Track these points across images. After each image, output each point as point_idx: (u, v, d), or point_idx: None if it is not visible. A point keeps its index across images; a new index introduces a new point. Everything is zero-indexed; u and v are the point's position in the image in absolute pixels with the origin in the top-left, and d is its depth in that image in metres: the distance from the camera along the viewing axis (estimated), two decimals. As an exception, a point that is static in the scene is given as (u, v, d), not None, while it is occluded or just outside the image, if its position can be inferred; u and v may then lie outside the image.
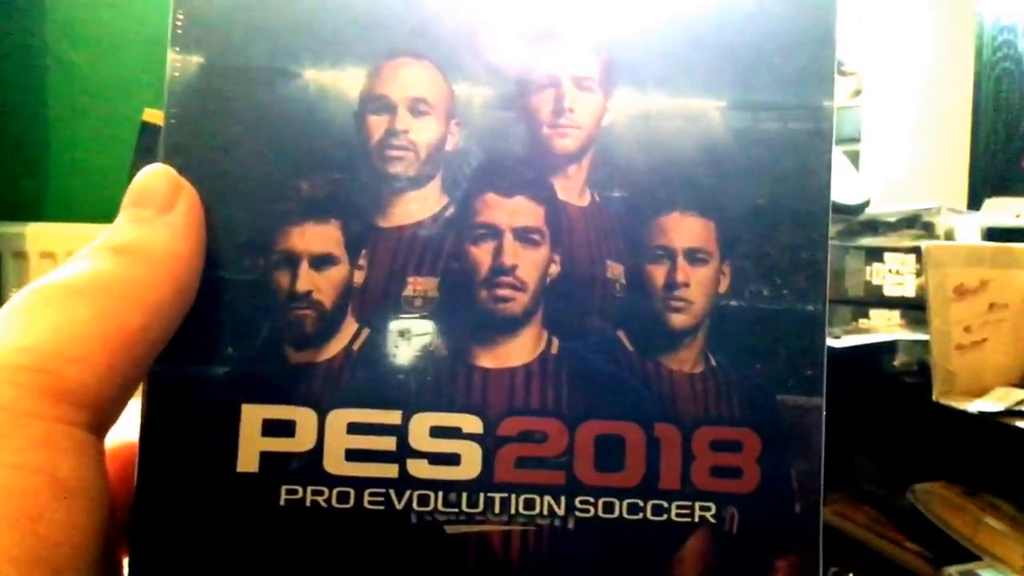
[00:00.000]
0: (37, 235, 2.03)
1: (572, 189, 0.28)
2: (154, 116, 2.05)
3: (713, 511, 0.28)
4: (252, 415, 0.27)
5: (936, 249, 1.11)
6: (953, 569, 1.03)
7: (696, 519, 0.28)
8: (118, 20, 2.16)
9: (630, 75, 0.29)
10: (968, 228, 1.29)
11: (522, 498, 0.27)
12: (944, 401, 1.03)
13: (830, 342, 1.12)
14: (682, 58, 0.29)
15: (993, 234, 1.29)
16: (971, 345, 1.07)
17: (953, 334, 1.07)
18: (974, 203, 1.62)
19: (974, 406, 1.00)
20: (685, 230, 0.29)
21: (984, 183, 1.76)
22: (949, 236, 1.28)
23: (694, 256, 0.28)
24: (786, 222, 0.29)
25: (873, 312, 1.26)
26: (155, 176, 0.27)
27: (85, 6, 2.16)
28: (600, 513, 0.27)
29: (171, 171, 0.27)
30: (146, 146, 2.02)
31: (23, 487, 0.22)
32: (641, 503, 0.28)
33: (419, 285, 0.28)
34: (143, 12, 2.16)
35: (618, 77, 0.29)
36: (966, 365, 1.06)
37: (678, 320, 0.28)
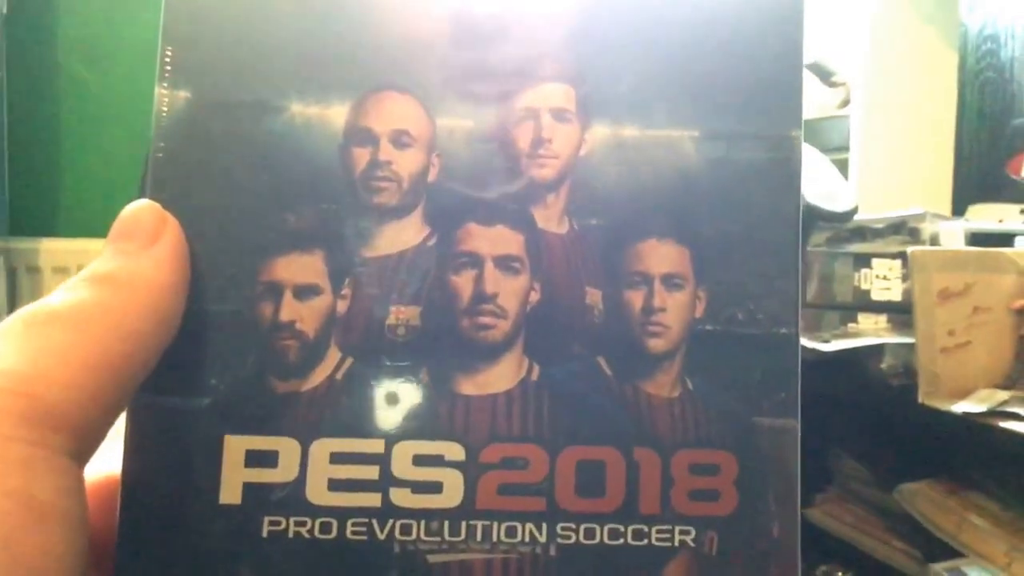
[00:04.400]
0: (50, 250, 2.03)
1: (551, 218, 0.28)
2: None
3: (693, 535, 0.27)
4: (235, 446, 0.26)
5: (921, 254, 1.11)
6: (939, 566, 1.03)
7: (676, 543, 0.27)
8: (129, 37, 2.16)
9: (606, 107, 0.28)
10: (952, 233, 1.29)
11: (504, 526, 0.27)
12: (929, 402, 1.03)
13: (820, 346, 1.12)
14: (655, 91, 0.28)
15: (976, 239, 1.29)
16: (955, 348, 1.07)
17: (938, 337, 1.07)
18: (958, 209, 1.61)
19: (958, 407, 1.00)
20: (661, 256, 0.28)
21: (968, 189, 1.76)
22: (934, 241, 1.28)
23: (670, 281, 0.28)
24: (758, 248, 0.28)
25: (861, 316, 1.26)
26: (140, 211, 0.26)
27: (97, 24, 2.16)
28: (581, 539, 0.27)
29: (156, 206, 0.27)
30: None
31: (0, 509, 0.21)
32: (622, 528, 0.27)
33: (402, 314, 0.27)
34: (154, 29, 2.16)
35: (594, 109, 0.28)
36: (951, 367, 1.06)
37: (656, 345, 0.28)
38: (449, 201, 0.28)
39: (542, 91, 0.28)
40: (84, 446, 0.23)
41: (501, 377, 0.27)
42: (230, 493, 0.26)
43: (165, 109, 0.28)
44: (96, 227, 2.07)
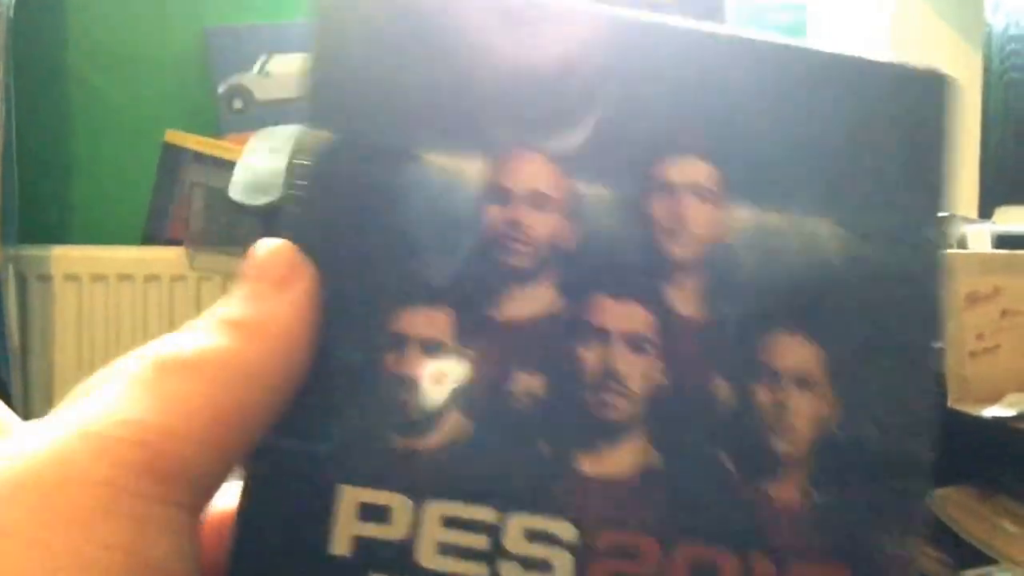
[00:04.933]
0: (61, 258, 2.01)
1: (685, 300, 0.27)
2: (176, 137, 2.05)
3: None
4: (350, 497, 0.26)
5: (949, 257, 1.10)
6: (972, 573, 1.03)
7: None
8: (141, 43, 2.14)
9: (747, 189, 0.27)
10: (980, 236, 1.28)
11: None
12: (958, 407, 1.02)
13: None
14: (798, 179, 0.27)
15: (1004, 242, 1.28)
16: (984, 351, 1.07)
17: (966, 341, 1.06)
18: (985, 212, 1.60)
19: (988, 411, 1.00)
20: (793, 353, 0.27)
21: (994, 192, 1.75)
22: (961, 244, 1.27)
23: (801, 381, 0.27)
24: (894, 358, 0.27)
25: (889, 319, 1.26)
26: (276, 252, 0.26)
27: (108, 29, 2.14)
28: None
29: (292, 247, 0.26)
30: (168, 168, 2.01)
31: (113, 568, 0.21)
32: None
33: (525, 382, 0.27)
34: (165, 35, 2.14)
35: (735, 191, 0.27)
36: (980, 371, 1.06)
37: (782, 446, 0.27)
38: (581, 270, 0.27)
39: (683, 166, 0.27)
40: (202, 498, 0.23)
41: (621, 460, 0.26)
42: (341, 544, 0.26)
43: (305, 148, 0.27)
44: (107, 234, 2.04)
